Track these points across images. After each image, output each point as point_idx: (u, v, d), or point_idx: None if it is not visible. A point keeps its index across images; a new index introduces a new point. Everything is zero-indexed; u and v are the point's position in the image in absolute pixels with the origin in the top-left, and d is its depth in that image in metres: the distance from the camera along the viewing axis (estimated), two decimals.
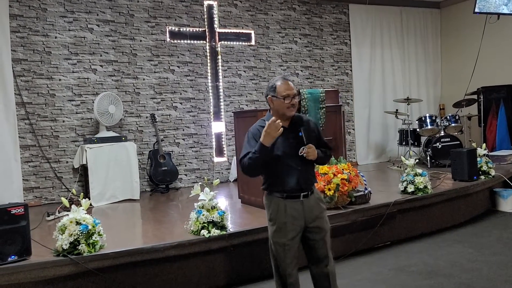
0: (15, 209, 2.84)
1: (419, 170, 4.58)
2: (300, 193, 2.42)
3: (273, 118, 2.28)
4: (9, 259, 2.81)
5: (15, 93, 5.21)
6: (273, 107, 2.45)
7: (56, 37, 5.49)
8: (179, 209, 4.85)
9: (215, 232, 3.31)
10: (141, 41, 6.00)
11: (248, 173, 2.42)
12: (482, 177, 5.13)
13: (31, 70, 5.36)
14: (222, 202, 4.89)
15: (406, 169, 4.66)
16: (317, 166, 4.08)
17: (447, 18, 8.41)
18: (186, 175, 6.27)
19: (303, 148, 2.37)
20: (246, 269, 3.50)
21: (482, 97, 7.07)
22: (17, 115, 5.22)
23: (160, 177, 5.75)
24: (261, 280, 3.45)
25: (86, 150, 5.13)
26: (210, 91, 6.44)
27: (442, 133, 6.71)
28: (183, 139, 6.28)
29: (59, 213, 4.43)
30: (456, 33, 8.21)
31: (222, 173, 6.50)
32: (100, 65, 5.74)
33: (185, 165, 6.27)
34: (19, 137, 5.23)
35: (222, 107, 6.51)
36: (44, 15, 5.42)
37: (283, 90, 2.39)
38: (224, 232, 3.36)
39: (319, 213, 2.49)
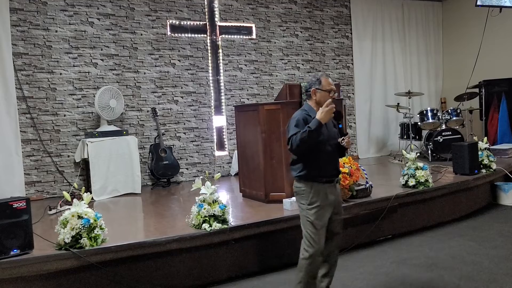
0: (17, 203, 2.84)
1: (420, 164, 4.58)
2: (335, 178, 2.73)
3: (330, 100, 2.60)
4: (12, 253, 2.83)
5: (16, 87, 5.21)
6: (315, 99, 2.72)
7: (56, 31, 5.47)
8: (181, 203, 4.86)
9: (216, 226, 3.32)
10: (141, 34, 5.97)
11: (298, 148, 2.55)
12: (483, 170, 5.13)
13: (32, 64, 5.35)
14: (223, 196, 4.90)
15: (407, 162, 4.66)
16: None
17: (449, 11, 8.36)
18: (187, 169, 6.27)
19: (343, 139, 2.67)
20: (248, 263, 3.52)
21: (483, 91, 7.04)
22: (18, 109, 5.22)
23: (161, 171, 5.76)
24: (263, 274, 3.47)
25: (87, 144, 5.13)
26: (211, 85, 6.43)
27: (444, 127, 6.70)
28: (184, 133, 6.28)
29: (60, 207, 4.45)
30: (458, 26, 8.17)
31: (223, 167, 6.51)
32: (101, 59, 5.72)
33: (186, 159, 6.28)
34: (20, 131, 5.23)
35: (223, 101, 6.50)
36: (45, 9, 5.40)
37: (327, 84, 2.71)
38: (226, 226, 3.37)
39: (341, 200, 2.86)
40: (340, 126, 2.75)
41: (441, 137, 6.56)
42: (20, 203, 2.86)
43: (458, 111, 6.78)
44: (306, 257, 2.65)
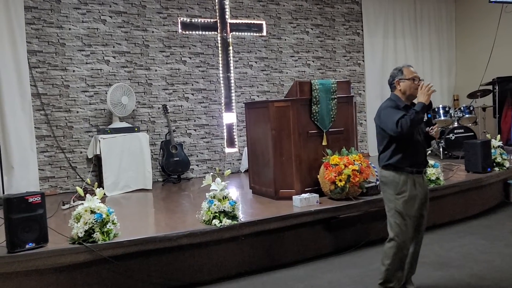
0: (32, 198, 2.91)
1: (431, 162, 4.54)
2: (423, 169, 2.77)
3: (428, 83, 2.62)
4: (27, 246, 2.89)
5: (30, 84, 5.30)
6: (400, 89, 2.76)
7: (70, 29, 5.55)
8: (191, 199, 4.91)
9: (226, 222, 3.34)
10: (153, 32, 6.02)
11: (409, 128, 2.59)
12: (496, 168, 5.07)
13: (46, 62, 5.44)
14: (233, 192, 4.93)
15: None
16: (327, 156, 4.10)
17: (462, 7, 8.25)
18: (197, 165, 6.32)
19: (432, 128, 2.73)
20: (257, 259, 3.54)
21: (497, 88, 6.94)
22: (32, 106, 5.32)
23: (172, 168, 5.81)
24: (272, 270, 3.49)
25: (99, 141, 5.21)
26: (222, 82, 6.46)
27: (456, 124, 6.62)
28: (195, 130, 6.32)
29: (73, 202, 4.53)
30: (471, 22, 8.05)
31: (233, 163, 6.54)
32: (113, 56, 5.79)
33: (197, 156, 6.33)
34: (34, 127, 5.33)
35: (233, 98, 6.52)
36: (58, 7, 5.48)
37: (409, 73, 2.73)
38: (236, 222, 3.40)
39: (428, 191, 2.86)
40: (430, 116, 2.84)
41: (453, 135, 6.49)
42: (36, 197, 2.92)
43: (471, 108, 6.69)
44: (392, 246, 2.72)
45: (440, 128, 2.80)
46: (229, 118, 6.51)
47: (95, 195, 3.12)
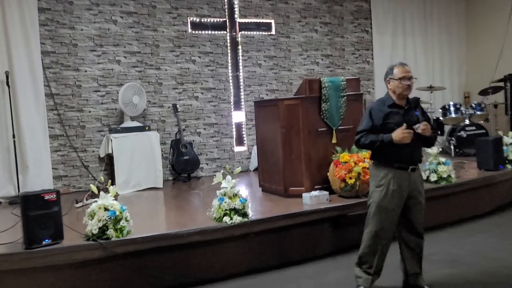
0: (48, 195, 2.98)
1: (443, 159, 4.53)
2: (409, 166, 2.76)
3: (408, 131, 2.68)
4: (43, 243, 2.96)
5: (44, 85, 5.39)
6: (390, 88, 2.82)
7: (82, 30, 5.63)
8: (201, 197, 4.96)
9: (237, 219, 3.38)
10: (163, 32, 6.08)
11: (363, 147, 2.87)
12: (508, 166, 5.04)
13: (59, 62, 5.53)
14: (243, 190, 4.96)
15: (428, 158, 4.62)
16: (337, 154, 4.11)
17: (472, 3, 8.16)
18: (207, 164, 6.37)
19: (419, 126, 2.70)
20: (267, 256, 3.57)
21: (509, 84, 6.87)
22: (46, 105, 5.41)
23: (182, 166, 5.87)
24: (282, 268, 3.52)
25: (111, 140, 5.28)
26: (231, 81, 6.49)
27: (467, 122, 6.57)
28: (204, 129, 6.37)
29: (86, 200, 4.60)
30: (481, 19, 7.97)
31: (242, 162, 6.58)
32: (124, 56, 5.86)
33: (206, 155, 6.38)
34: (48, 127, 5.42)
35: (242, 96, 6.55)
36: (71, 8, 5.56)
37: (399, 73, 2.78)
38: (246, 219, 3.44)
39: (420, 188, 2.84)
40: (417, 113, 2.81)
41: (464, 132, 6.45)
42: (51, 195, 2.99)
43: (482, 105, 6.64)
44: (367, 232, 2.86)
45: (426, 125, 2.74)
46: (238, 116, 6.55)
47: (109, 192, 3.18)
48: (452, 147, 6.51)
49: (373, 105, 2.88)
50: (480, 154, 5.08)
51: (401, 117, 2.77)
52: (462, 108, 6.65)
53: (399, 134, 2.68)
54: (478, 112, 6.56)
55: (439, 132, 2.97)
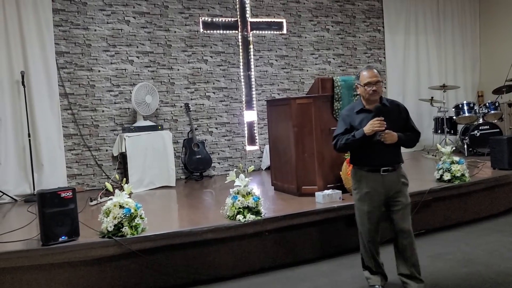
0: (64, 193, 3.03)
1: (456, 158, 4.48)
2: (380, 167, 2.76)
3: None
4: (60, 239, 3.01)
5: (58, 85, 5.47)
6: (359, 94, 2.86)
7: (95, 30, 5.70)
8: (213, 196, 4.98)
9: (250, 217, 3.39)
10: (175, 32, 6.12)
11: (340, 150, 2.91)
12: None
13: (73, 62, 5.60)
14: (255, 189, 4.97)
15: (441, 157, 4.57)
16: (349, 153, 4.09)
17: (486, 1, 8.06)
18: (219, 163, 6.40)
19: (380, 134, 2.70)
20: (281, 254, 3.57)
21: None
22: (60, 105, 5.49)
23: (194, 165, 5.90)
24: (295, 265, 3.52)
25: (125, 139, 5.33)
26: (242, 80, 6.51)
27: (481, 121, 6.50)
28: (216, 128, 6.40)
29: (100, 198, 4.66)
30: (495, 16, 7.86)
31: (254, 161, 6.59)
32: (136, 56, 5.91)
33: (218, 154, 6.40)
34: (62, 126, 5.50)
35: (254, 96, 6.57)
36: (85, 9, 5.63)
37: (364, 78, 2.78)
38: (259, 217, 3.45)
39: (399, 188, 2.81)
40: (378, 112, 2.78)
41: (478, 131, 6.38)
42: (67, 192, 3.04)
43: (496, 104, 6.56)
44: (359, 234, 2.94)
45: (387, 133, 2.71)
46: (250, 116, 6.56)
47: (124, 190, 3.22)
48: (465, 146, 6.44)
49: (343, 111, 2.96)
50: (494, 153, 5.02)
51: (369, 121, 2.75)
52: (476, 107, 6.58)
53: (368, 125, 2.70)
54: (492, 111, 6.48)
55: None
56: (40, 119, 5.30)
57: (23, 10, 5.22)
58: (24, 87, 5.08)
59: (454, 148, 5.04)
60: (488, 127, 6.41)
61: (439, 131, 6.87)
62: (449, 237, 4.03)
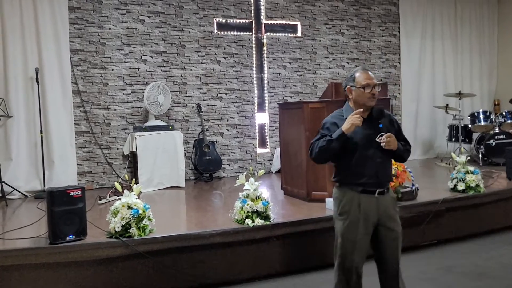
0: (73, 192, 3.02)
1: (471, 168, 4.38)
2: (376, 189, 2.33)
3: (360, 110, 2.30)
4: (68, 238, 3.01)
5: (72, 82, 5.50)
6: (352, 98, 2.40)
7: (110, 29, 5.72)
8: (222, 198, 4.96)
9: (259, 222, 3.35)
10: (189, 32, 6.12)
11: (317, 157, 2.36)
12: None
13: (87, 60, 5.63)
14: (265, 192, 4.92)
15: (455, 166, 4.48)
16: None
17: (505, 8, 7.90)
18: (229, 165, 6.37)
19: (381, 135, 2.30)
20: (289, 260, 3.52)
21: None
22: (73, 103, 5.52)
23: (204, 166, 5.88)
24: (303, 272, 3.47)
25: (136, 138, 5.34)
26: (255, 82, 6.48)
27: (497, 130, 6.37)
28: (227, 129, 6.37)
29: (109, 197, 4.66)
30: None
31: (265, 164, 6.55)
32: (150, 56, 5.92)
33: (229, 155, 6.37)
34: (74, 123, 5.53)
35: (266, 98, 6.53)
36: (100, 7, 5.66)
37: (362, 80, 2.35)
38: (268, 222, 3.40)
39: (393, 214, 2.40)
40: (381, 126, 2.36)
41: (493, 141, 6.25)
42: (76, 191, 3.03)
43: None
44: (336, 265, 2.41)
45: (390, 137, 2.32)
46: (262, 118, 6.52)
47: (132, 191, 3.20)
48: (480, 155, 6.32)
49: (327, 119, 2.44)
50: (510, 163, 4.90)
51: (361, 130, 2.32)
52: (492, 116, 6.45)
53: (346, 122, 2.28)
54: (509, 121, 6.34)
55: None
56: (52, 116, 5.33)
57: (39, 7, 5.26)
58: (38, 83, 5.12)
59: (468, 157, 4.94)
60: (504, 136, 6.29)
61: (453, 139, 6.75)
62: (461, 248, 3.93)
